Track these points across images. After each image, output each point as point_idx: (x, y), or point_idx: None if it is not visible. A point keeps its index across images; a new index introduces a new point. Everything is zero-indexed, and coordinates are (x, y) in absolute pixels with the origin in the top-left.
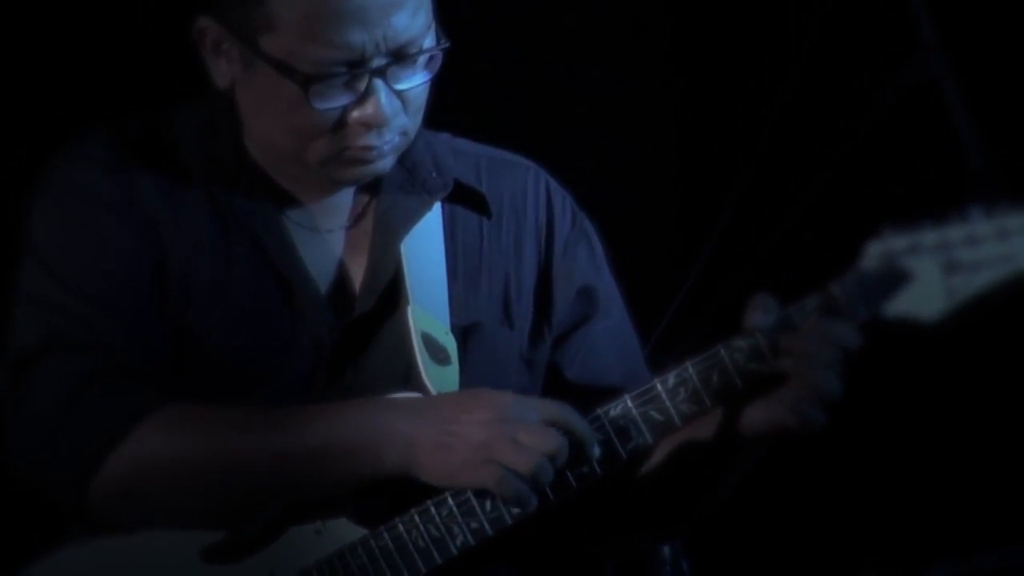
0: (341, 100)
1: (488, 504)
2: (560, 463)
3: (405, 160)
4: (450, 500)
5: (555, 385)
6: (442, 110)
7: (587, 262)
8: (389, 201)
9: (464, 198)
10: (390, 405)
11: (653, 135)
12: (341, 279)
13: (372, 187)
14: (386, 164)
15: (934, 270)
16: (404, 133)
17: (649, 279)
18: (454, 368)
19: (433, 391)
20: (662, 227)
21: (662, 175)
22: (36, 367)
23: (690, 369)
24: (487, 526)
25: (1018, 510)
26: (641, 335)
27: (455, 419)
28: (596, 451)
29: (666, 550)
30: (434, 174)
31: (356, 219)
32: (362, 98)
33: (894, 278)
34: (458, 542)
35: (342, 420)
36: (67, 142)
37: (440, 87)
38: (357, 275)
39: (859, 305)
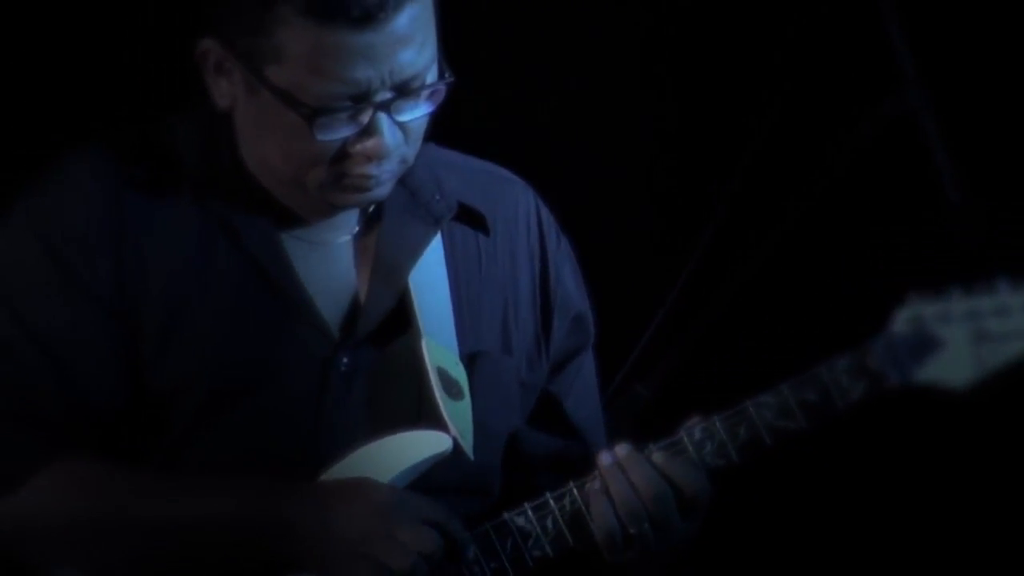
0: (344, 132)
1: (509, 544)
2: (435, 562)
3: (408, 181)
4: (529, 511)
5: (550, 413)
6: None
7: (575, 287)
8: (393, 223)
9: (463, 216)
10: (276, 492)
11: (630, 162)
12: (343, 294)
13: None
14: (384, 191)
15: (964, 339)
16: (403, 161)
17: (624, 302)
18: (467, 402)
19: (452, 427)
20: (639, 249)
21: (640, 198)
22: None
23: (717, 423)
24: (508, 567)
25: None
26: (616, 357)
27: (334, 510)
28: (470, 552)
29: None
30: (437, 197)
31: (358, 233)
32: (365, 131)
33: (924, 344)
34: (536, 553)
35: (226, 501)
36: (57, 159)
37: None
38: (361, 291)
39: (888, 369)
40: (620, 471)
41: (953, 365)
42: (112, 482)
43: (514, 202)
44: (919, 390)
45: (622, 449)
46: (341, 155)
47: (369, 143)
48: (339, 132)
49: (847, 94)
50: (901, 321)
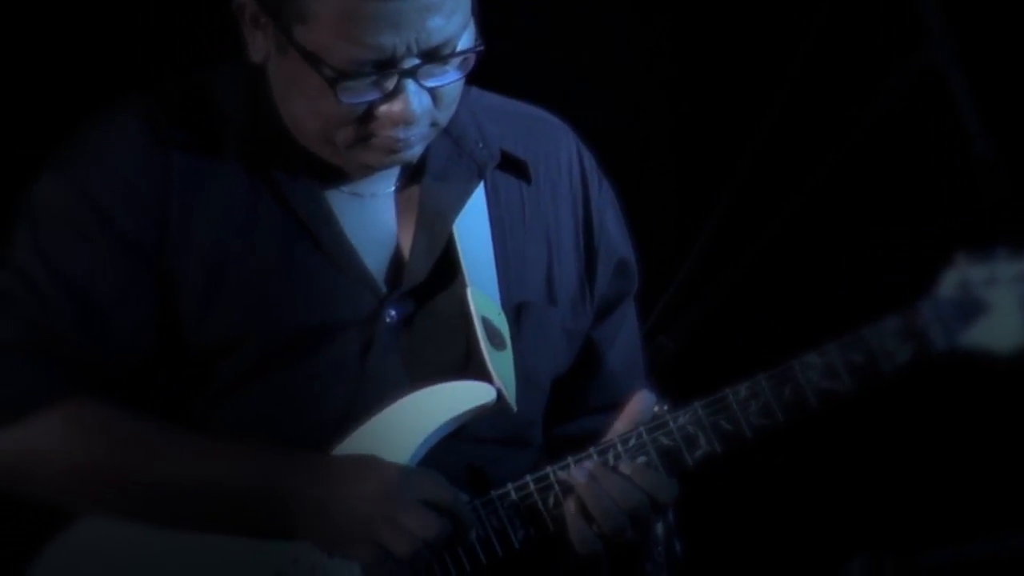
0: (368, 96)
1: (551, 499)
2: (437, 548)
3: (451, 129)
4: (513, 493)
5: (592, 362)
6: None
7: (618, 232)
8: (436, 174)
9: (506, 164)
10: (288, 463)
11: (654, 115)
12: (387, 246)
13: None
14: (414, 153)
15: (1012, 303)
16: (434, 124)
17: (649, 253)
18: (509, 352)
19: (496, 379)
20: (663, 208)
21: (666, 153)
22: None
23: (763, 382)
24: (549, 522)
25: (1013, 499)
26: (641, 309)
27: (342, 490)
28: (473, 535)
29: (659, 529)
30: (480, 145)
31: (402, 184)
32: (390, 95)
33: (971, 308)
34: (520, 535)
35: (237, 467)
36: (105, 107)
37: None
38: (405, 243)
39: (935, 333)
40: (597, 486)
41: (999, 330)
42: (119, 430)
43: (556, 147)
44: (964, 355)
45: (593, 464)
46: (368, 117)
47: (395, 108)
48: (364, 96)
49: (874, 48)
50: (948, 284)
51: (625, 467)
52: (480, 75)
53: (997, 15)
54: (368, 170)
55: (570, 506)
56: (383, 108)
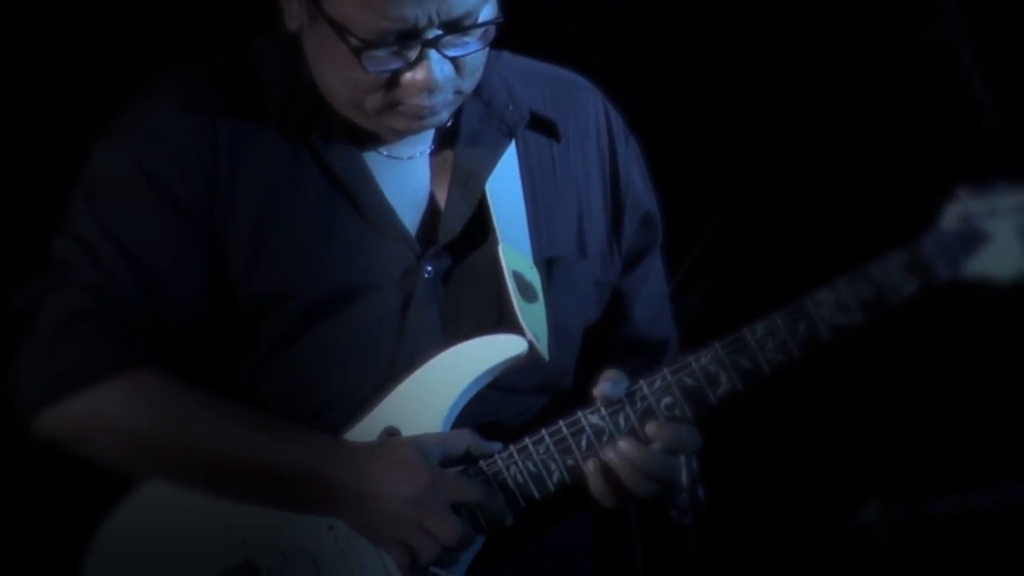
0: (392, 65)
1: (584, 442)
2: (463, 549)
3: (481, 92)
4: (547, 438)
5: (621, 311)
6: None
7: (644, 187)
8: (470, 131)
9: (535, 124)
10: (335, 454)
11: (681, 77)
12: (422, 205)
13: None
14: (441, 119)
15: (1011, 232)
16: (459, 92)
17: (676, 211)
18: (541, 305)
19: (527, 330)
20: (689, 167)
21: (689, 115)
22: (50, 294)
23: (778, 320)
24: (581, 463)
25: (1018, 447)
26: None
27: (379, 488)
28: (508, 519)
29: (684, 477)
30: (511, 107)
31: (437, 146)
32: (413, 64)
33: (972, 239)
34: (555, 478)
35: (288, 451)
36: (153, 78)
37: None
38: (440, 202)
39: (939, 264)
40: (627, 463)
41: (1000, 259)
42: (178, 403)
43: (584, 107)
44: (967, 285)
45: (624, 442)
46: (393, 84)
47: (418, 76)
48: (388, 65)
49: (886, 24)
50: (950, 217)
51: (651, 428)
52: (502, 42)
53: None
54: (399, 134)
55: (589, 466)
56: (407, 76)
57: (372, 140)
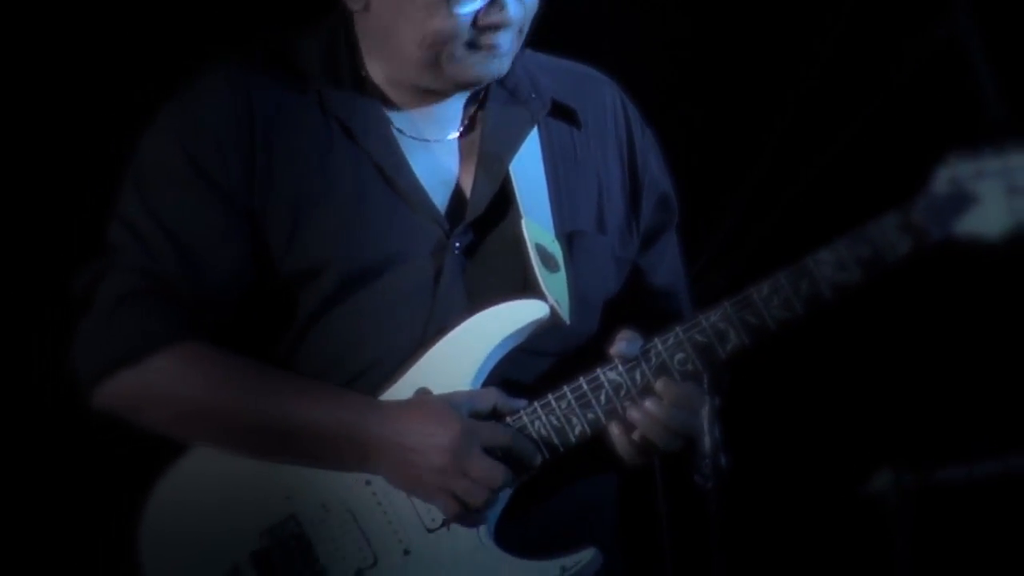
0: (476, 4)
1: (603, 396)
2: (505, 488)
3: (507, 82)
4: (568, 394)
5: (640, 286)
6: None
7: (659, 169)
8: (495, 117)
9: (557, 112)
10: (375, 412)
11: (700, 71)
12: (451, 185)
13: (478, 102)
14: (505, 64)
15: (998, 193)
16: (520, 32)
17: (700, 191)
18: (563, 274)
19: (550, 297)
20: (707, 154)
21: (709, 104)
22: (103, 276)
23: (782, 279)
24: (601, 417)
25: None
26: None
27: (418, 441)
28: (537, 460)
29: (707, 444)
30: (533, 95)
31: (464, 130)
32: (493, 3)
33: (962, 200)
34: (576, 431)
35: (331, 410)
36: (198, 72)
37: None
38: (466, 183)
39: (931, 224)
40: (647, 415)
41: (988, 218)
42: (225, 373)
43: (602, 97)
44: (959, 244)
45: (647, 402)
46: (470, 28)
47: (496, 14)
48: (472, 4)
49: (895, 19)
50: (940, 180)
51: (661, 386)
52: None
53: None
54: (441, 110)
55: (614, 429)
56: (486, 17)
57: (405, 124)
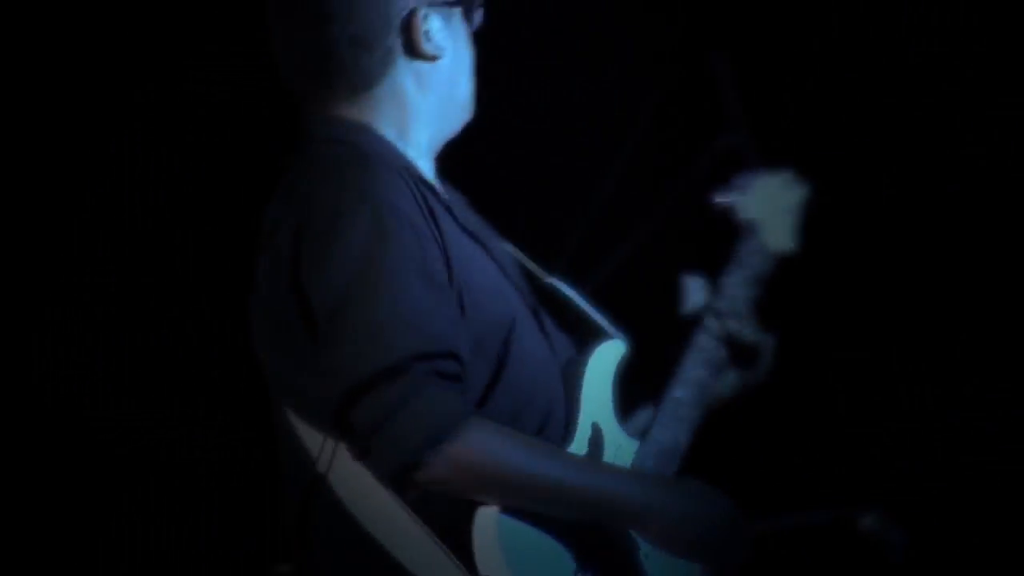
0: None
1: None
2: None
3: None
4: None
5: None
6: None
7: None
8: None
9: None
10: (654, 481)
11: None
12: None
13: None
14: None
15: (763, 209)
16: None
17: None
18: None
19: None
20: None
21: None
22: (396, 379)
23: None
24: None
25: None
26: None
27: (700, 509)
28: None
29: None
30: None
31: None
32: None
33: (752, 230)
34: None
35: (615, 480)
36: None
37: None
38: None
39: (757, 261)
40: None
41: (771, 231)
42: (524, 442)
43: None
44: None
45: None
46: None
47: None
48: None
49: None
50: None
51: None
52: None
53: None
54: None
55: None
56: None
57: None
